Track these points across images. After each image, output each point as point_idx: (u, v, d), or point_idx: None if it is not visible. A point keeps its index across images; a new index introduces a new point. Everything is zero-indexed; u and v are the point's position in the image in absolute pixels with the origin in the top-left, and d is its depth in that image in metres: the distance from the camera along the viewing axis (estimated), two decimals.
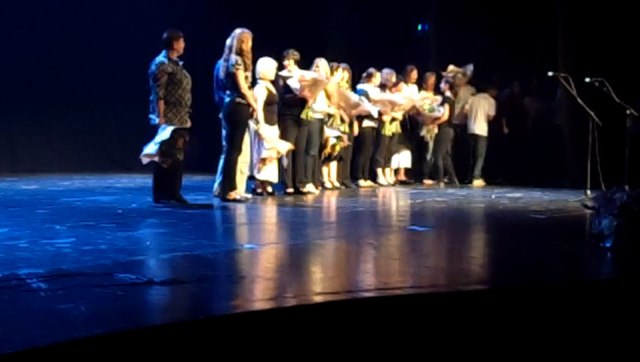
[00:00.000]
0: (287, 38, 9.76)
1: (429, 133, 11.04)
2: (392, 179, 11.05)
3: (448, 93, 10.97)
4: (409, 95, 10.81)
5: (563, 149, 10.69)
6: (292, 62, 8.80)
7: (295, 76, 8.62)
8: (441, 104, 10.86)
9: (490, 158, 11.36)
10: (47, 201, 7.28)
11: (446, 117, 10.86)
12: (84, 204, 7.23)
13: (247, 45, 7.43)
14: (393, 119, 10.56)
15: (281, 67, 8.77)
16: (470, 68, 11.03)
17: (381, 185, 10.65)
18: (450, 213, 7.36)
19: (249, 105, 7.52)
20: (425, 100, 10.87)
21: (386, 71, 10.53)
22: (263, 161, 8.05)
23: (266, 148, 8.02)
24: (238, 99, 7.42)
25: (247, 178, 8.07)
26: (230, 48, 7.45)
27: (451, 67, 11.08)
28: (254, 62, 8.05)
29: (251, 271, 4.03)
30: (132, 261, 4.00)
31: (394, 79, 10.60)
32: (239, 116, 7.50)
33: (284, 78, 8.69)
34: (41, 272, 3.50)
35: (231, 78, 7.40)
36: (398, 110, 10.54)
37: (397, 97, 10.48)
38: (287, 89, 8.64)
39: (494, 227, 6.50)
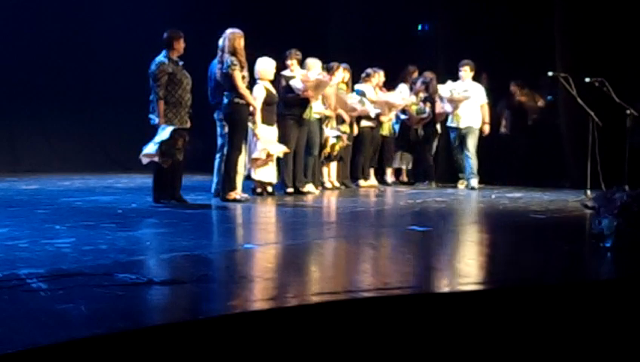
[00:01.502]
0: (287, 38, 9.77)
1: (416, 133, 10.99)
2: (392, 178, 11.08)
3: (426, 93, 10.88)
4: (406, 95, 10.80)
5: (562, 149, 10.69)
6: (295, 62, 8.81)
7: (298, 76, 8.62)
8: (424, 103, 10.78)
9: (492, 158, 11.35)
10: (47, 201, 7.28)
11: (431, 115, 10.80)
12: (84, 204, 7.23)
13: (240, 44, 7.43)
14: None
15: (283, 67, 8.78)
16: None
17: (388, 184, 10.72)
18: (449, 213, 7.36)
19: (248, 104, 7.53)
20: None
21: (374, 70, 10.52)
22: (254, 161, 8.04)
23: (257, 148, 8.02)
24: (237, 100, 7.43)
25: (244, 178, 8.06)
26: (223, 49, 7.45)
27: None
28: (254, 62, 8.06)
29: (251, 271, 4.03)
30: (132, 261, 4.00)
31: (381, 78, 10.59)
32: (238, 116, 7.50)
33: (287, 78, 8.69)
34: (41, 272, 3.50)
35: (228, 78, 7.40)
36: (395, 110, 10.54)
37: (394, 98, 10.48)
38: (288, 89, 8.64)
39: (494, 227, 6.50)
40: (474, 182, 10.25)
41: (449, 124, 10.59)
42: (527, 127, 11.46)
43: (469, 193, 9.66)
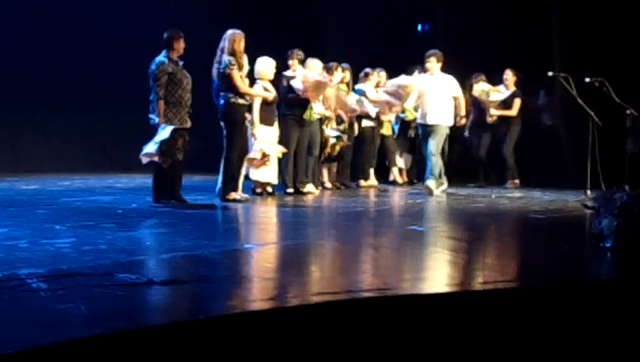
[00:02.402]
0: (287, 38, 9.77)
1: (417, 132, 10.96)
2: (400, 178, 11.11)
3: None
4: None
5: (556, 149, 10.69)
6: (296, 62, 8.82)
7: (298, 77, 8.62)
8: None
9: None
10: (47, 201, 7.28)
11: None
12: (84, 204, 7.23)
13: (240, 45, 7.42)
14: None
15: (285, 67, 8.78)
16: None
17: (398, 183, 10.80)
18: (449, 213, 7.35)
19: (245, 104, 7.53)
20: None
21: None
22: (250, 161, 8.03)
23: (253, 148, 8.02)
24: (233, 99, 7.42)
25: (244, 178, 8.06)
26: (222, 50, 7.45)
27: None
28: (253, 62, 8.06)
29: (251, 271, 4.03)
30: (132, 261, 4.00)
31: (383, 78, 10.56)
32: (236, 116, 7.50)
33: (288, 78, 8.69)
34: (41, 272, 3.50)
35: (225, 79, 7.39)
36: (396, 110, 10.54)
37: (394, 98, 10.46)
38: (289, 89, 8.63)
39: (494, 227, 6.50)
40: (430, 183, 9.06)
41: (418, 120, 9.67)
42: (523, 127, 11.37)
43: (469, 193, 9.63)
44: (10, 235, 4.83)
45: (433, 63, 9.41)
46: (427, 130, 9.33)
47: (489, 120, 10.74)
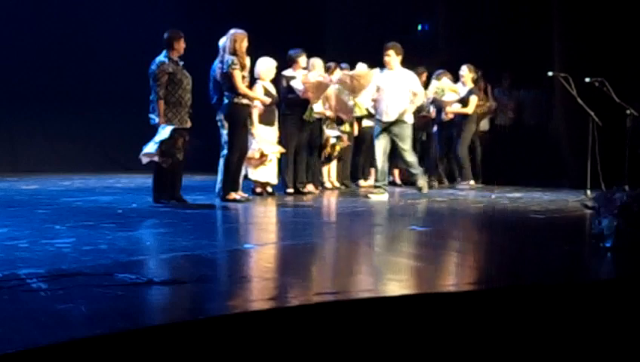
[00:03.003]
0: (287, 38, 9.77)
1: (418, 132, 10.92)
2: (399, 179, 11.10)
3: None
4: None
5: (556, 149, 10.70)
6: (303, 60, 8.81)
7: (298, 77, 8.62)
8: (431, 102, 10.68)
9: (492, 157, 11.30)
10: (47, 201, 7.29)
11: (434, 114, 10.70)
12: (84, 203, 7.23)
13: (241, 45, 7.42)
14: None
15: (285, 67, 8.78)
16: None
17: (397, 185, 10.77)
18: (450, 213, 7.36)
19: (248, 104, 7.54)
20: None
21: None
22: (249, 160, 8.03)
23: (252, 148, 8.02)
24: (237, 100, 7.43)
25: (243, 178, 8.06)
26: (224, 49, 7.46)
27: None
28: (254, 62, 8.06)
29: (251, 271, 4.03)
30: (132, 261, 4.01)
31: None
32: (238, 116, 7.51)
33: (288, 79, 8.69)
34: (41, 272, 3.50)
35: (227, 78, 7.39)
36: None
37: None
38: (289, 89, 8.63)
39: (494, 227, 6.50)
40: (421, 182, 8.85)
41: (377, 116, 8.87)
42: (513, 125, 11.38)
43: (470, 193, 9.64)
44: (10, 235, 4.84)
45: (392, 57, 8.57)
46: (390, 129, 8.63)
47: (444, 117, 10.53)
